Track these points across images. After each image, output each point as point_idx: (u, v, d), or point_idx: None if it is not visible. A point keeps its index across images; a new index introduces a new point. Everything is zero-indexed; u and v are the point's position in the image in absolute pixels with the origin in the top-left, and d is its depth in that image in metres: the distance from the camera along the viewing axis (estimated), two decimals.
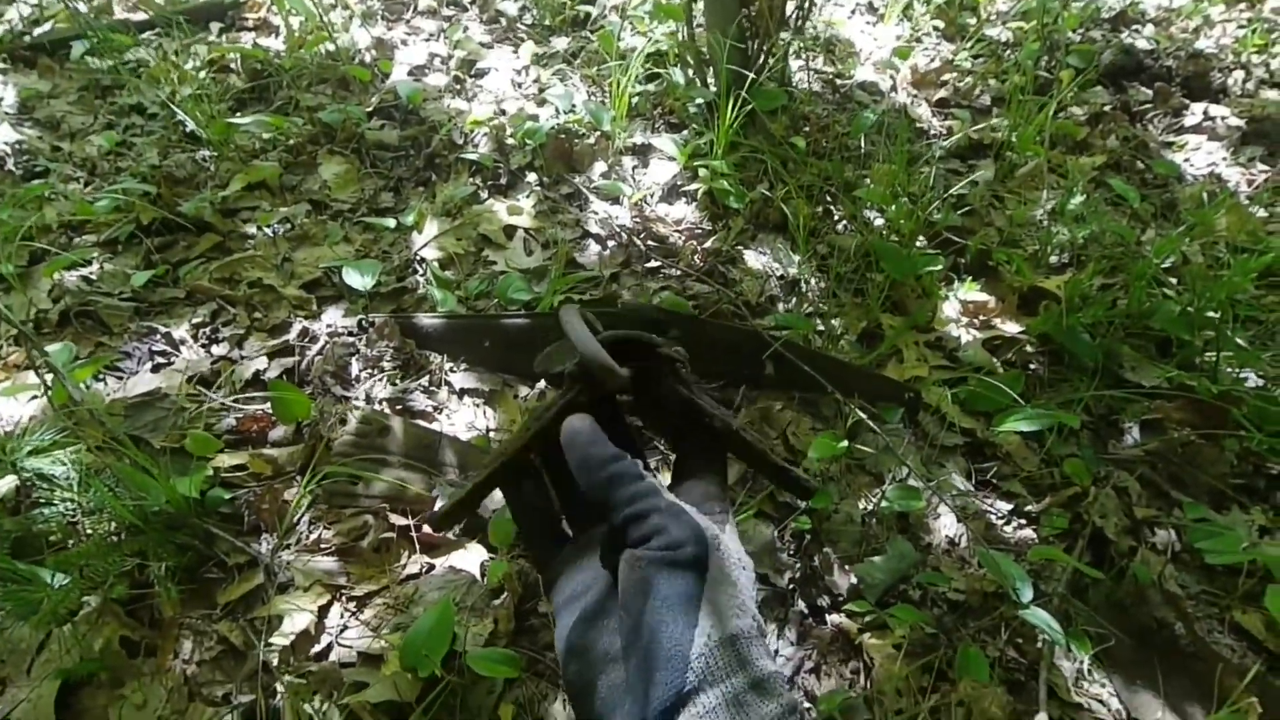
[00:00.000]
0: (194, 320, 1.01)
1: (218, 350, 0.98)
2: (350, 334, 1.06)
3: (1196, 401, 1.03)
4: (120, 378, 0.90)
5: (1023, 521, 0.95)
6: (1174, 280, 1.33)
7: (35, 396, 0.84)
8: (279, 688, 0.65)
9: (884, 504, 0.93)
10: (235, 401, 0.92)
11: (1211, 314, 1.18)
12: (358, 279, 1.08)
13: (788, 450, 0.97)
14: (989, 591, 0.85)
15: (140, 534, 0.69)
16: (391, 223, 1.24)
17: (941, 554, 0.91)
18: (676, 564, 0.32)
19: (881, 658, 0.76)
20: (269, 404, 0.92)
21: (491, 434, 0.96)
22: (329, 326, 1.07)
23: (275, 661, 0.67)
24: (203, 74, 1.55)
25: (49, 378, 0.75)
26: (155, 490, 0.69)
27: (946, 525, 0.94)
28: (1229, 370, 1.13)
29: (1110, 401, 1.13)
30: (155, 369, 0.92)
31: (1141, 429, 1.09)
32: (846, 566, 0.85)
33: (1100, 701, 0.77)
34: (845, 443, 0.92)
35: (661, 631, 0.30)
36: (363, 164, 1.39)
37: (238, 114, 1.46)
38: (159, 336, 0.96)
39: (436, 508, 0.83)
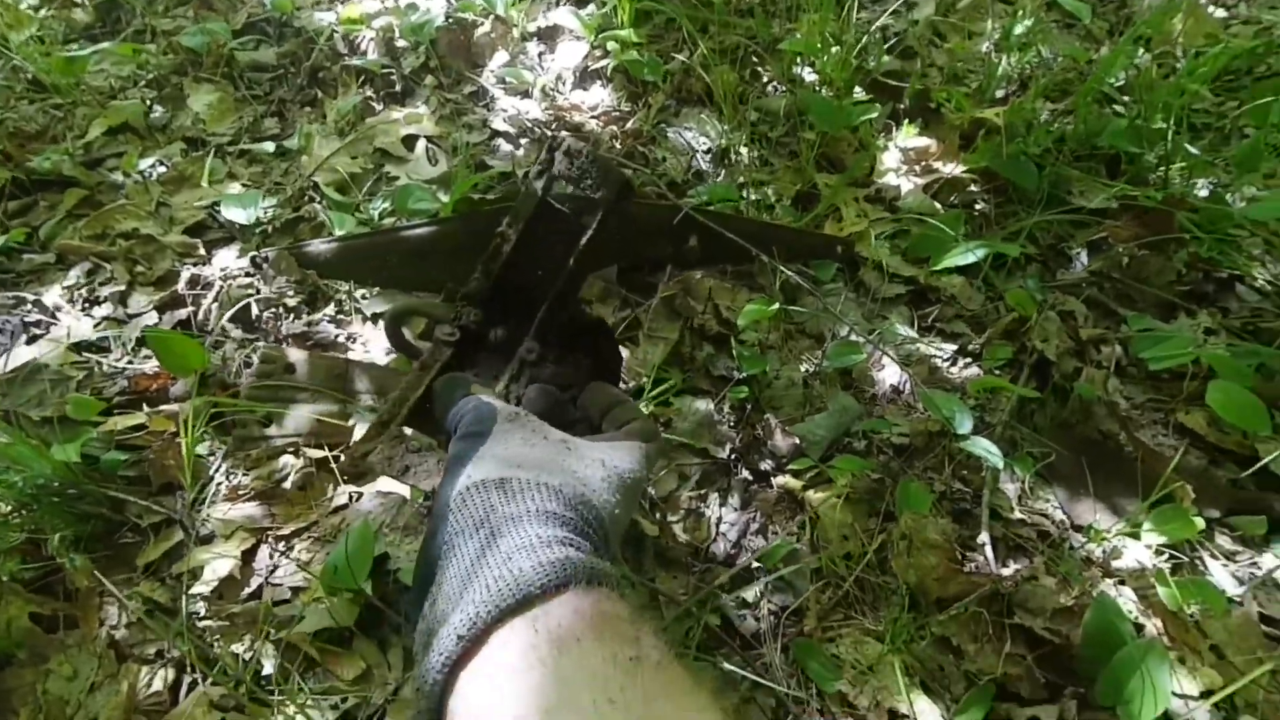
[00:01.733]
0: (66, 284, 0.93)
1: (100, 311, 0.91)
2: (247, 275, 0.98)
3: (1141, 213, 0.99)
4: None
5: (968, 360, 0.93)
6: (1125, 98, 1.25)
7: None
8: (216, 639, 0.64)
9: (825, 363, 0.90)
10: (130, 363, 0.86)
11: (1162, 124, 1.12)
12: (240, 213, 0.99)
13: (719, 322, 0.93)
14: (934, 431, 0.84)
15: (31, 509, 0.65)
16: (271, 147, 1.13)
17: (886, 403, 0.89)
18: (465, 437, 0.41)
19: (825, 508, 0.75)
20: None
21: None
22: (222, 270, 0.99)
23: (202, 611, 0.65)
24: (42, 12, 1.37)
25: None
26: (34, 461, 0.65)
27: (890, 375, 0.91)
28: (1180, 181, 1.08)
29: (1058, 229, 1.09)
30: (31, 340, 0.86)
31: (1089, 251, 1.05)
32: (788, 429, 0.83)
33: (1044, 515, 0.78)
34: (776, 305, 0.88)
35: (443, 488, 0.38)
36: (238, 89, 1.26)
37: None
38: (29, 306, 0.89)
39: (355, 438, 0.79)
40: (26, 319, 0.88)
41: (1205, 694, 0.63)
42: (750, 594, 0.71)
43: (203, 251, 1.02)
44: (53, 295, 0.92)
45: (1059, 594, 0.68)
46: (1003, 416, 0.85)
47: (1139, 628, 0.68)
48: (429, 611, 0.33)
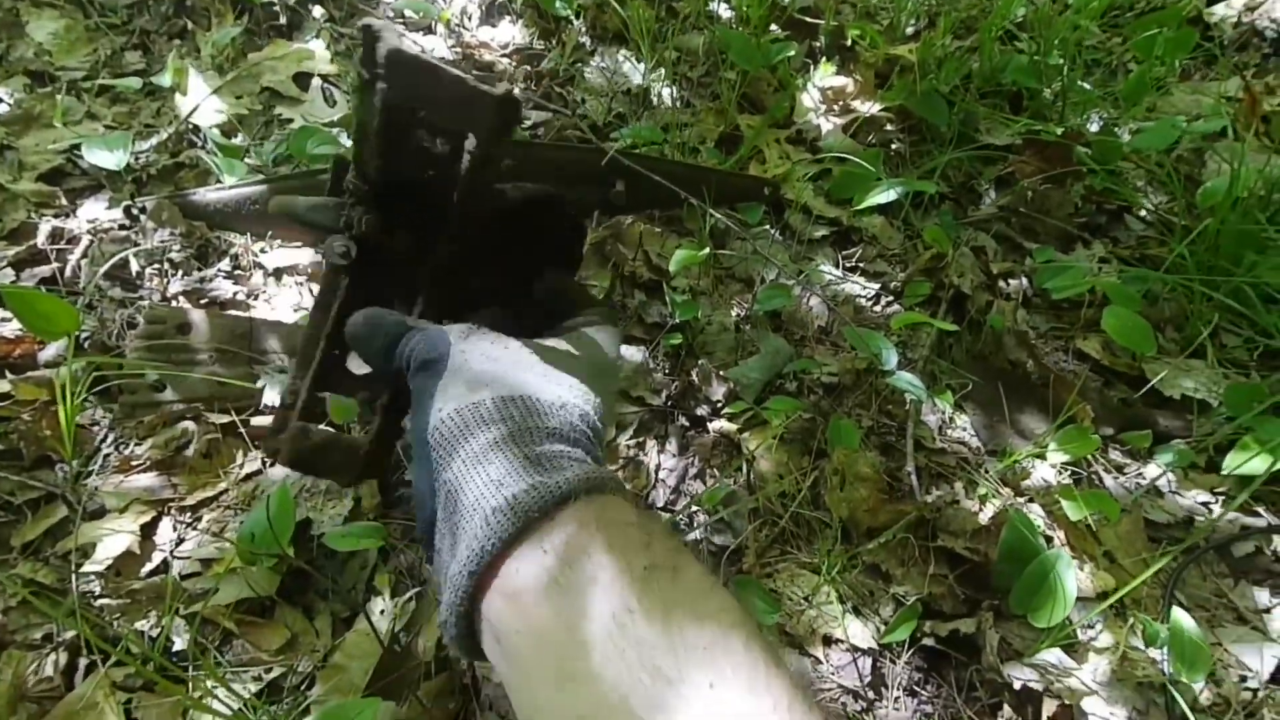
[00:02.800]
0: None
1: None
2: (121, 228, 0.88)
3: (1042, 146, 1.04)
4: None
5: (890, 298, 0.96)
6: (1025, 35, 1.30)
7: None
8: (115, 618, 0.58)
9: (755, 307, 0.90)
10: None
11: (1059, 60, 1.17)
12: (106, 157, 0.87)
13: (650, 269, 0.92)
14: (861, 369, 0.86)
15: None
16: (138, 83, 1.00)
17: (815, 344, 0.91)
18: (422, 369, 0.36)
19: (761, 449, 0.76)
20: None
21: None
22: (90, 222, 0.87)
23: (97, 590, 0.59)
24: None
25: None
26: None
27: (818, 316, 0.93)
28: (1075, 117, 1.14)
29: (968, 167, 1.13)
30: None
31: (996, 187, 1.09)
32: (722, 373, 0.83)
33: (963, 443, 0.82)
34: (706, 250, 0.87)
35: (415, 427, 0.35)
36: (88, 16, 1.10)
37: None
38: None
39: (265, 400, 0.73)
40: None
41: (1101, 595, 0.70)
42: (691, 537, 0.72)
43: (64, 201, 0.89)
44: None
45: (977, 515, 0.72)
46: (923, 351, 0.88)
47: (1047, 540, 0.73)
48: (445, 552, 0.33)
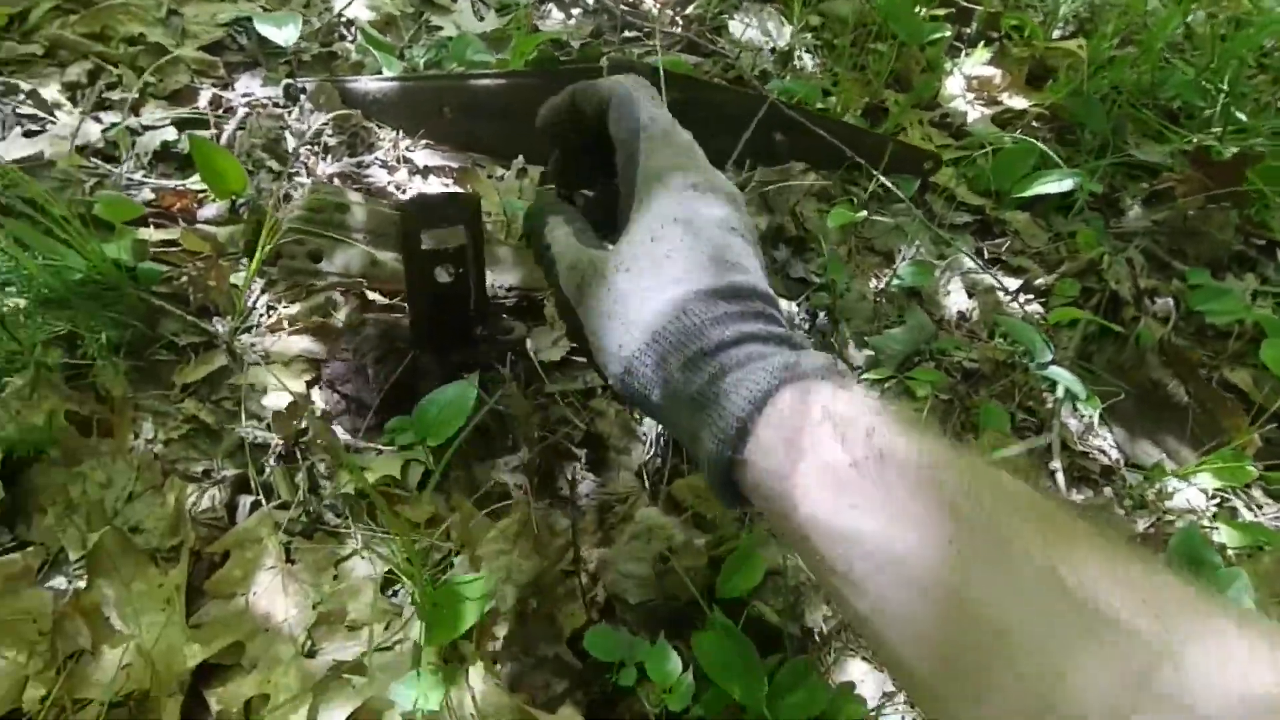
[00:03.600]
0: (66, 80, 0.81)
1: (108, 118, 0.79)
2: (276, 105, 0.88)
3: (1209, 165, 1.00)
4: None
5: (1030, 296, 0.93)
6: (1180, 55, 1.25)
7: None
8: (269, 464, 0.58)
9: (895, 281, 0.88)
10: (146, 177, 0.76)
11: (1220, 86, 1.12)
12: (276, 32, 0.88)
13: (798, 226, 0.90)
14: (1000, 360, 0.83)
15: (62, 308, 0.56)
16: None
17: (952, 328, 0.88)
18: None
19: None
20: (193, 178, 0.76)
21: None
22: (246, 96, 0.88)
23: (257, 438, 0.59)
24: None
25: None
26: (73, 257, 0.56)
27: (957, 301, 0.90)
28: (1235, 143, 1.09)
29: (1111, 180, 1.09)
30: (28, 134, 0.74)
31: (1145, 204, 1.06)
32: (866, 339, 0.81)
33: (1103, 452, 0.79)
34: (864, 213, 0.85)
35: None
36: None
37: None
38: (23, 96, 0.76)
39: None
40: (19, 109, 0.76)
41: None
42: None
43: (222, 72, 0.90)
44: (50, 91, 0.79)
45: (1133, 524, 0.70)
46: (1068, 354, 0.85)
47: None
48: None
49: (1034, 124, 1.12)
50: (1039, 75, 1.20)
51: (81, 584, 0.49)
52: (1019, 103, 1.14)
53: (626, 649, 0.51)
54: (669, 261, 0.36)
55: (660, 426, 0.67)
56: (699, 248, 0.36)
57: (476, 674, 0.50)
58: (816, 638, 0.58)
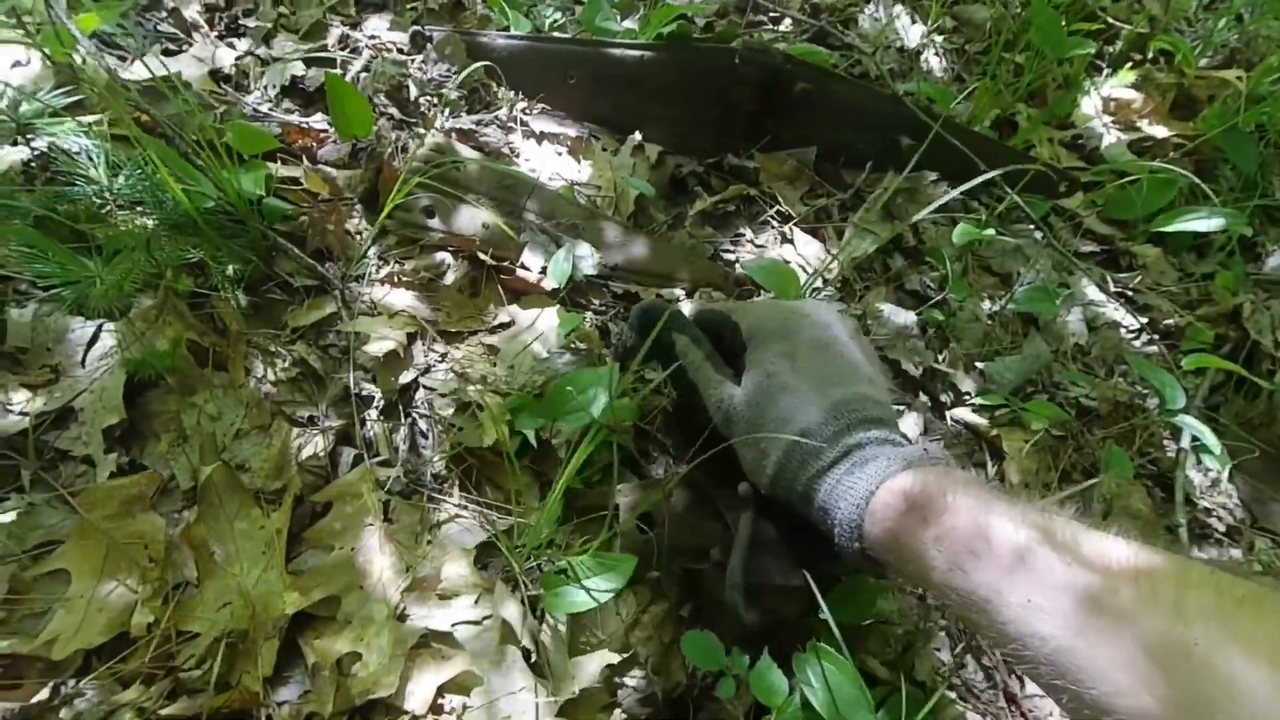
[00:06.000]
0: (206, 1, 0.80)
1: (241, 45, 0.79)
2: (401, 51, 0.86)
3: None
4: (123, 57, 0.71)
5: (1156, 336, 0.87)
6: None
7: (25, 49, 0.65)
8: (371, 417, 0.57)
9: (1011, 305, 0.83)
10: (272, 109, 0.75)
11: None
12: None
13: (916, 238, 0.85)
14: (1120, 400, 0.78)
15: (190, 235, 0.56)
16: None
17: (1069, 361, 0.83)
18: None
19: (1014, 451, 0.70)
20: (316, 116, 0.75)
21: (577, 188, 0.82)
22: (372, 38, 0.87)
23: (363, 389, 0.58)
24: None
25: (37, 23, 0.57)
26: (205, 184, 0.55)
27: (1076, 333, 0.85)
28: None
29: (1250, 222, 1.01)
30: (167, 53, 0.74)
31: None
32: (978, 364, 0.77)
33: (1226, 510, 0.74)
34: (991, 230, 0.80)
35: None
36: None
37: None
38: (164, 13, 0.76)
39: (524, 256, 0.71)
40: (159, 26, 0.76)
41: None
42: None
43: (353, 11, 0.89)
44: (191, 10, 0.79)
45: None
46: (1195, 402, 0.79)
47: None
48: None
49: (1172, 155, 1.04)
50: (1181, 104, 1.12)
51: (191, 515, 0.49)
52: (1159, 131, 1.06)
53: (726, 659, 0.48)
54: (785, 393, 0.47)
55: None
56: (804, 375, 0.47)
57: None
58: (924, 690, 0.55)
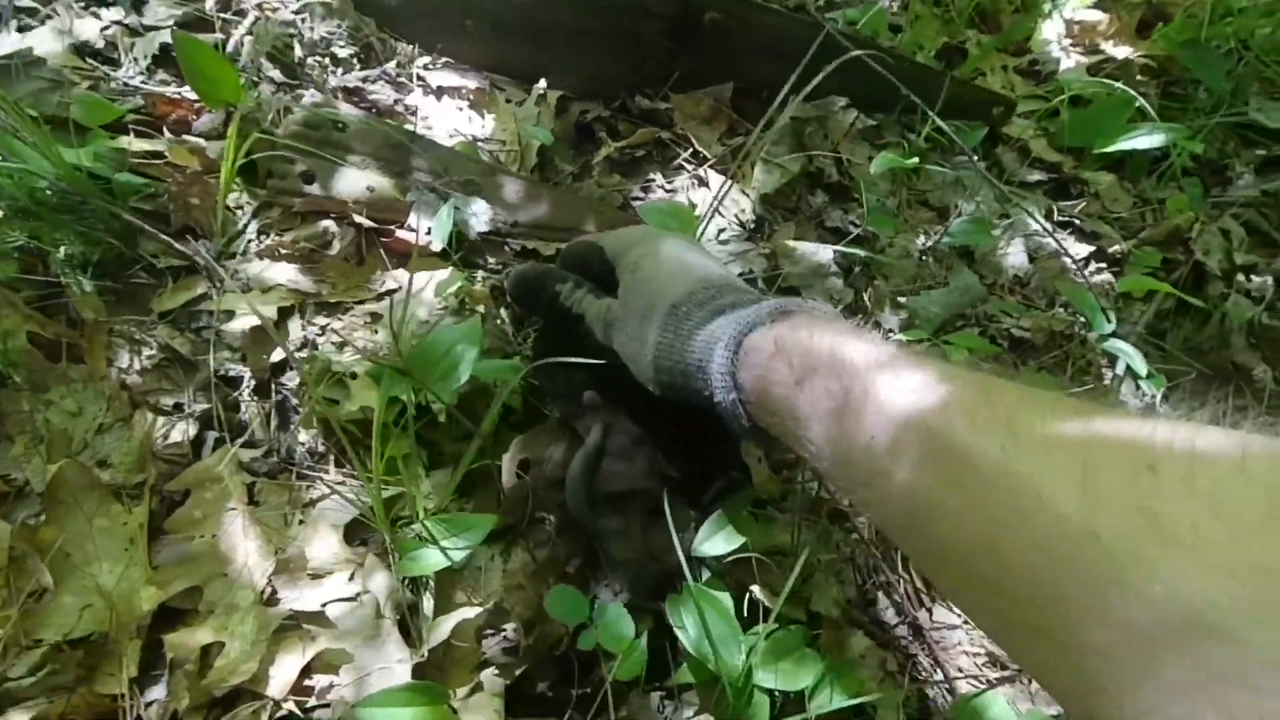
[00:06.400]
0: None
1: (109, 15, 0.75)
2: (288, 10, 0.81)
3: None
4: None
5: (1103, 265, 0.82)
6: None
7: None
8: (243, 398, 0.55)
9: (947, 238, 0.78)
10: (144, 82, 0.71)
11: None
12: None
13: (839, 171, 0.80)
14: (1057, 330, 0.74)
15: (27, 216, 0.53)
16: None
17: (1005, 293, 0.79)
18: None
19: None
20: (187, 89, 0.71)
21: (480, 143, 0.78)
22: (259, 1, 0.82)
23: (230, 370, 0.56)
24: None
25: None
26: (33, 159, 0.52)
27: (1015, 265, 0.81)
28: None
29: (1223, 145, 0.95)
30: (22, 29, 0.70)
31: (1258, 172, 0.92)
32: (901, 299, 0.73)
33: None
34: (916, 160, 0.75)
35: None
36: None
37: None
38: None
39: (411, 219, 0.67)
40: (16, 2, 0.71)
41: None
42: None
43: None
44: None
45: None
46: (1137, 328, 0.75)
47: None
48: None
49: (1138, 77, 0.98)
50: (1150, 23, 1.04)
51: (43, 518, 0.47)
52: (1122, 51, 0.99)
53: (588, 611, 0.47)
54: (652, 282, 0.47)
55: None
56: (670, 264, 0.48)
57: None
58: (821, 622, 0.53)
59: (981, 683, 0.54)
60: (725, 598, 0.48)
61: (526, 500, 0.52)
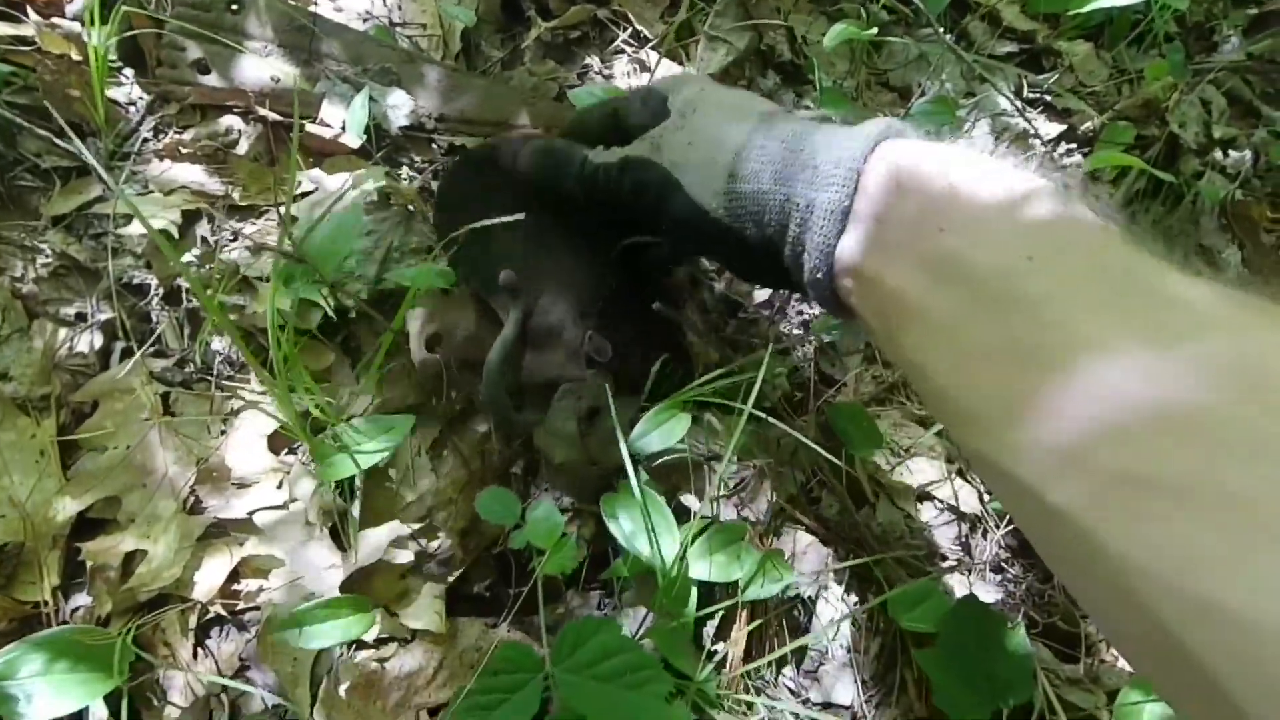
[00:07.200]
0: None
1: None
2: None
3: None
4: None
5: (1073, 146, 0.78)
6: None
7: None
8: (152, 307, 0.52)
9: (909, 118, 0.74)
10: None
11: None
12: None
13: (791, 49, 0.74)
14: None
15: None
16: None
17: None
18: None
19: None
20: None
21: (397, 28, 0.71)
22: None
23: (135, 278, 0.52)
24: None
25: None
26: None
27: (982, 146, 0.76)
28: None
29: (1211, 7, 0.88)
30: None
31: (1246, 34, 0.86)
32: None
33: None
34: (874, 30, 0.69)
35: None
36: None
37: None
38: None
39: (322, 112, 0.62)
40: None
41: None
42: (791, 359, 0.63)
43: None
44: None
45: None
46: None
47: None
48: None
49: None
50: None
51: None
52: None
53: (519, 511, 0.46)
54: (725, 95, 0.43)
55: None
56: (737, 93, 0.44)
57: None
58: (755, 521, 0.53)
59: (921, 576, 0.55)
60: (656, 497, 0.48)
61: (440, 377, 0.50)
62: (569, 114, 0.67)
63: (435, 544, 0.48)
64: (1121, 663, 0.53)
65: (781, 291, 0.65)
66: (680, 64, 0.70)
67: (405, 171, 0.63)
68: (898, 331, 0.29)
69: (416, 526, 0.48)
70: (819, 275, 0.33)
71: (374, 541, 0.46)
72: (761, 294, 0.65)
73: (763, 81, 0.72)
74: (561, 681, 0.40)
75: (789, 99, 0.72)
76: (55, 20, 0.59)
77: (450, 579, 0.47)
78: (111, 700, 0.40)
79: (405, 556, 0.47)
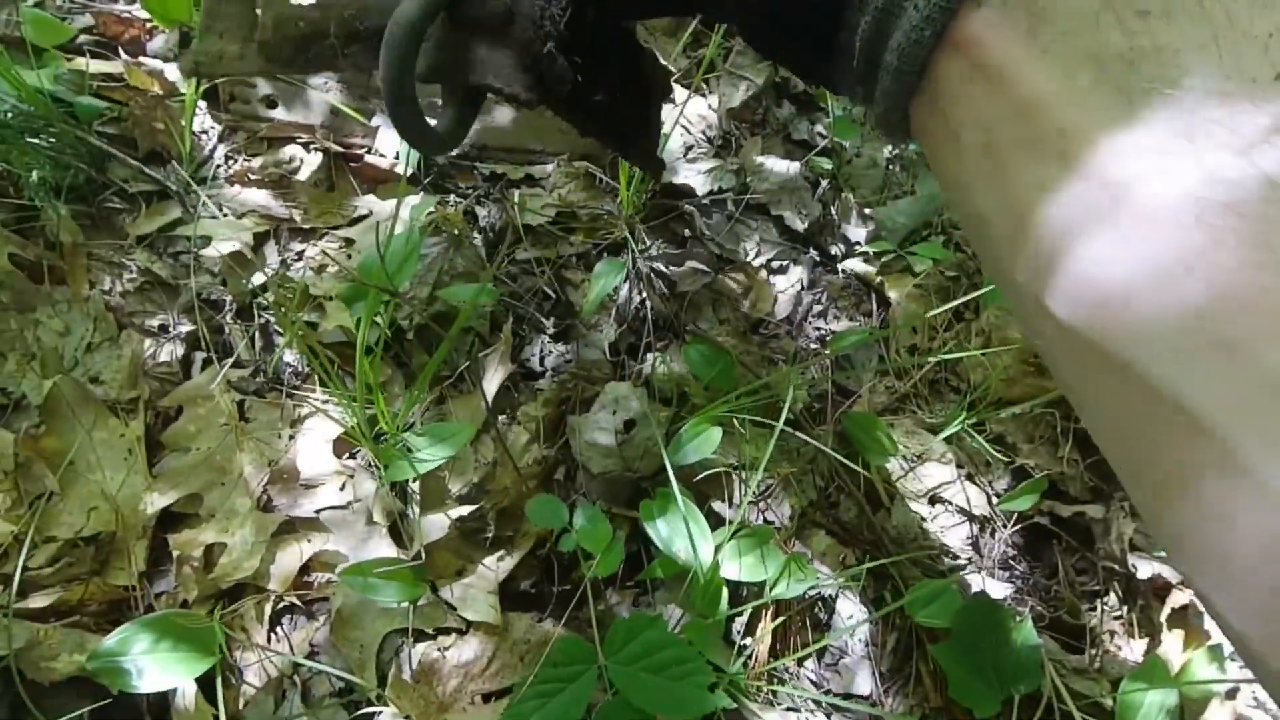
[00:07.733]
0: None
1: None
2: None
3: None
4: None
5: None
6: None
7: None
8: (227, 320, 0.57)
9: (911, 145, 0.79)
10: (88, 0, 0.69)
11: None
12: None
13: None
14: None
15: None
16: None
17: None
18: None
19: (901, 296, 0.69)
20: (136, 6, 0.69)
21: None
22: None
23: (211, 294, 0.57)
24: None
25: None
26: None
27: None
28: None
29: None
30: None
31: None
32: (868, 211, 0.74)
33: None
34: None
35: None
36: None
37: None
38: None
39: (379, 142, 0.67)
40: None
41: None
42: (810, 374, 0.67)
43: None
44: None
45: None
46: None
47: None
48: None
49: None
50: None
51: (43, 429, 0.50)
52: None
53: (566, 516, 0.51)
54: None
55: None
56: None
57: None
58: (779, 525, 0.57)
59: (934, 575, 0.59)
60: (690, 503, 0.52)
61: (304, 41, 0.31)
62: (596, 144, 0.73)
63: (477, 514, 0.52)
64: (1125, 653, 0.57)
65: (799, 308, 0.70)
66: (699, 94, 0.76)
67: (451, 198, 0.68)
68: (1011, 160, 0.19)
69: (466, 511, 0.52)
70: (915, 44, 0.21)
71: (432, 527, 0.50)
72: (781, 310, 0.69)
73: (779, 111, 0.77)
74: (615, 673, 0.44)
75: (804, 126, 0.77)
76: (141, 58, 0.65)
77: (504, 571, 0.52)
78: (199, 679, 0.44)
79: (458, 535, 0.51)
